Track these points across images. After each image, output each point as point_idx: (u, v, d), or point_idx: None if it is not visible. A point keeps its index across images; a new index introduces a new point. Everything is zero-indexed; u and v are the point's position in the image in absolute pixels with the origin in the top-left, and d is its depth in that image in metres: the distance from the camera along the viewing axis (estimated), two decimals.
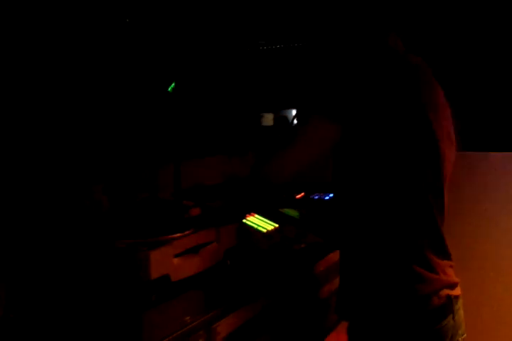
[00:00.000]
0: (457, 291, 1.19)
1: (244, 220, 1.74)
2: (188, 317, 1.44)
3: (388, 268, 1.14)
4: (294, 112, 3.00)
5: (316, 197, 2.05)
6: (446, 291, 1.14)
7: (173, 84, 1.87)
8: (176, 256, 1.45)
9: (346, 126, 1.09)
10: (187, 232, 1.52)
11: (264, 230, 1.74)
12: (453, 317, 1.14)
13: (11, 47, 1.60)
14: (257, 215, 1.78)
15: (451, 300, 1.15)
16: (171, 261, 1.43)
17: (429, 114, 1.13)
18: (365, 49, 1.20)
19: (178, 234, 1.50)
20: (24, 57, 1.64)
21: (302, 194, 2.13)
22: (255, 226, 1.75)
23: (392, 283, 1.14)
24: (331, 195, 1.97)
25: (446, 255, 1.20)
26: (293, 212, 1.84)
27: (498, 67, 2.34)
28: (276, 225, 1.79)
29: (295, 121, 2.96)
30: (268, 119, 3.03)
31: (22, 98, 1.65)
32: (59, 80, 1.75)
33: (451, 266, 1.21)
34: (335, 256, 1.89)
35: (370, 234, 1.17)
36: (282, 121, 3.05)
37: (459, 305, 1.18)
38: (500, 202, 2.30)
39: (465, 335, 1.19)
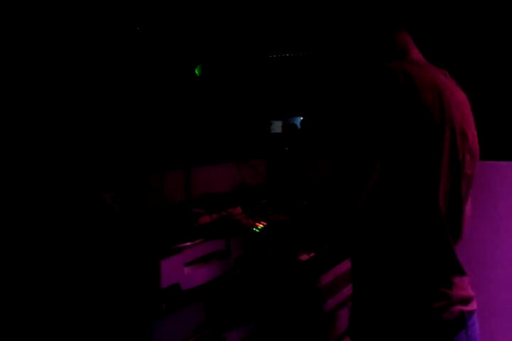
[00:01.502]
0: (472, 306, 1.17)
1: (254, 228, 1.74)
2: (198, 326, 1.44)
3: (401, 286, 1.14)
4: (301, 119, 3.01)
5: None
6: (459, 307, 1.13)
7: (199, 67, 1.86)
8: (187, 265, 1.46)
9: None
10: (197, 241, 1.52)
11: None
12: (466, 333, 1.13)
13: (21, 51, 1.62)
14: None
15: (464, 315, 1.13)
16: (181, 270, 1.43)
17: (448, 129, 1.11)
18: (370, 62, 1.20)
19: (189, 243, 1.50)
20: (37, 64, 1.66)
21: None
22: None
23: (403, 299, 1.13)
24: None
25: (458, 269, 1.18)
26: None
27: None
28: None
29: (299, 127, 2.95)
30: (277, 126, 3.04)
31: (34, 106, 1.67)
32: (71, 89, 1.77)
33: (464, 280, 1.19)
34: (341, 267, 1.89)
35: (383, 254, 1.16)
36: (291, 128, 3.06)
37: (473, 320, 1.16)
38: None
39: None
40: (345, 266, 1.90)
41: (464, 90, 1.28)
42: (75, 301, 1.40)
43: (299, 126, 3.02)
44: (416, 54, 1.24)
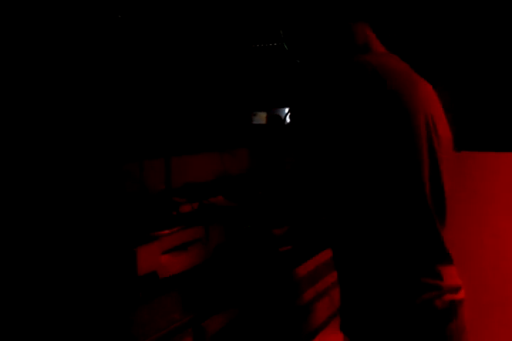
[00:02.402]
0: (461, 295, 1.17)
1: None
2: (176, 315, 1.42)
3: (391, 277, 1.13)
4: (286, 111, 2.99)
5: None
6: (449, 296, 1.13)
7: None
8: (164, 252, 1.44)
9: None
10: (175, 229, 1.51)
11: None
12: (457, 321, 1.13)
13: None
14: None
15: (455, 304, 1.13)
16: (158, 258, 1.41)
17: (423, 115, 1.11)
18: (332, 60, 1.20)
19: (167, 231, 1.48)
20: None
21: None
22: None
23: (394, 290, 1.13)
24: None
25: (447, 259, 1.18)
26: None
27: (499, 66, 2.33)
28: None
29: (287, 120, 2.95)
30: (261, 117, 3.02)
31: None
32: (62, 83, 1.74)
33: (453, 269, 1.19)
34: (319, 258, 1.89)
35: (372, 245, 1.15)
36: (275, 119, 3.05)
37: (463, 309, 1.17)
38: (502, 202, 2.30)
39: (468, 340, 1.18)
40: (327, 255, 1.90)
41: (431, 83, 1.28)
42: (51, 289, 1.38)
43: (283, 118, 3.00)
44: (379, 47, 1.24)
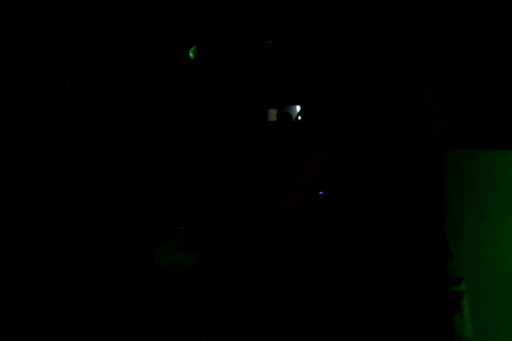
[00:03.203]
0: (462, 287, 1.20)
1: None
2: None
3: (396, 273, 1.15)
4: (297, 108, 3.00)
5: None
6: (453, 288, 1.15)
7: (193, 48, 1.84)
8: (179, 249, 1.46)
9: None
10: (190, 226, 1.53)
11: None
12: (461, 313, 1.15)
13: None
14: None
15: (458, 296, 1.15)
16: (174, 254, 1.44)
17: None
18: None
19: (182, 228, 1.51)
20: None
21: None
22: None
23: (400, 286, 1.15)
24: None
25: (448, 252, 1.21)
26: None
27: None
28: None
29: (299, 118, 2.94)
30: (272, 115, 3.03)
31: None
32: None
33: (453, 263, 1.21)
34: None
35: (374, 240, 1.17)
36: (285, 117, 3.05)
37: (465, 301, 1.19)
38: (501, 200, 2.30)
39: (472, 332, 1.20)
40: None
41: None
42: (66, 281, 1.40)
43: (293, 116, 3.01)
44: None
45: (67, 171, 1.70)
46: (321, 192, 1.83)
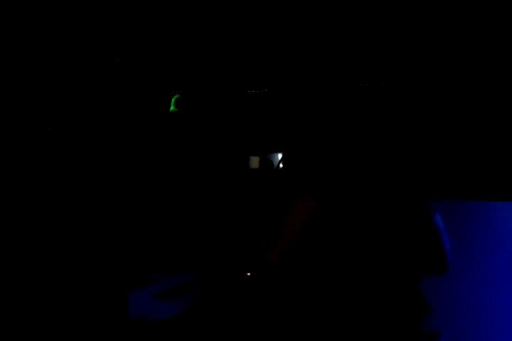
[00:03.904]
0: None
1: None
2: None
3: (369, 323, 1.15)
4: (279, 156, 3.03)
5: None
6: None
7: (174, 98, 1.87)
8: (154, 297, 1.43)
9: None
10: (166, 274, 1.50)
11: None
12: None
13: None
14: None
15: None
16: (149, 302, 1.40)
17: None
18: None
19: (159, 275, 1.47)
20: None
21: None
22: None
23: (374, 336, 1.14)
24: None
25: (425, 306, 1.20)
26: None
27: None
28: None
29: (280, 165, 2.97)
30: (254, 162, 3.05)
31: None
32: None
33: (430, 316, 1.21)
34: None
35: (352, 291, 1.18)
36: (268, 164, 3.07)
37: None
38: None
39: None
40: None
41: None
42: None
43: (275, 163, 3.03)
44: None
45: (43, 216, 1.68)
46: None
